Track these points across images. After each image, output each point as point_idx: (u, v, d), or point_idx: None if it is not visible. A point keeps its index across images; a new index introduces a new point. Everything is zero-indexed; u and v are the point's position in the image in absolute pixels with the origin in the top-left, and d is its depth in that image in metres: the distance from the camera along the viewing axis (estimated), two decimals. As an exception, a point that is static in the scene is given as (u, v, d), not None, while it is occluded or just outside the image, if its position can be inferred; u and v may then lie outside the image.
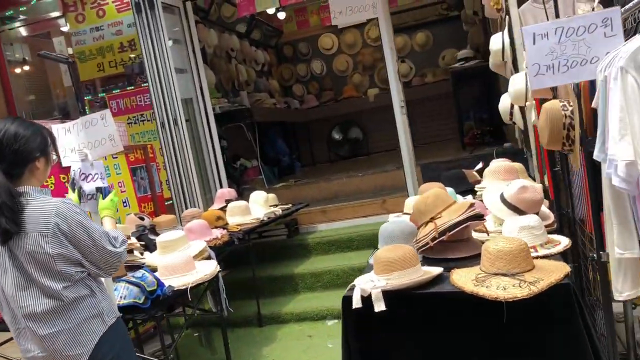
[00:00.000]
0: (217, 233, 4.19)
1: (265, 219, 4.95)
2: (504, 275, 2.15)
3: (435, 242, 2.45)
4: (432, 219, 2.56)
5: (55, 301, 2.02)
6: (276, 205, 5.38)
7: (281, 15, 9.66)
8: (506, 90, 5.06)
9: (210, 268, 3.26)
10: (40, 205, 2.02)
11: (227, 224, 4.55)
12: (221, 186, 5.92)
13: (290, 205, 5.57)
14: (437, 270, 2.35)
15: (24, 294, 2.02)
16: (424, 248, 2.50)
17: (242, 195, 5.88)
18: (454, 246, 2.53)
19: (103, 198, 2.58)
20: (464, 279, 2.22)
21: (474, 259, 2.43)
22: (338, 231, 5.62)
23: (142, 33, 5.39)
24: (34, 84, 7.49)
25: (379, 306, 2.21)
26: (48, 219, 1.99)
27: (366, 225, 5.54)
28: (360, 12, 5.28)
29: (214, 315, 4.04)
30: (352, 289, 2.32)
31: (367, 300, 2.22)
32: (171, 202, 5.65)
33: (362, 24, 9.64)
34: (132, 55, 6.33)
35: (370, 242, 5.27)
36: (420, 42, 9.91)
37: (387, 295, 2.21)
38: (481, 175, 4.05)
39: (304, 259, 5.43)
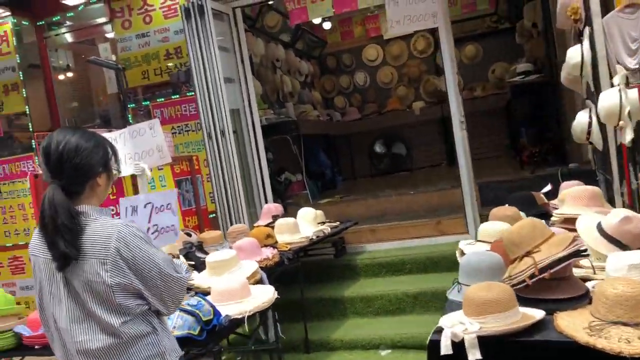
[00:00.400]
0: (268, 252, 3.93)
1: (314, 237, 4.68)
2: (625, 324, 1.84)
3: (535, 280, 2.14)
4: (528, 253, 2.25)
5: (112, 338, 1.78)
6: (324, 223, 5.11)
7: (326, 26, 9.46)
8: (576, 107, 4.74)
9: (267, 295, 2.99)
10: (100, 227, 1.78)
11: (276, 242, 4.30)
12: (266, 201, 5.67)
13: (339, 223, 5.28)
14: (538, 314, 2.04)
15: (79, 328, 1.79)
16: (519, 286, 2.19)
17: (286, 210, 5.62)
18: (553, 285, 2.20)
19: None
20: (573, 326, 1.92)
21: (576, 300, 2.13)
22: (388, 252, 5.26)
23: (190, 40, 5.21)
24: (77, 91, 7.41)
25: (474, 354, 1.93)
26: (108, 244, 1.75)
27: (419, 248, 5.19)
28: (420, 21, 4.99)
29: (265, 344, 3.76)
30: (438, 331, 2.05)
31: (457, 345, 1.95)
32: (214, 215, 5.43)
33: (409, 35, 9.40)
34: (171, 64, 6.15)
35: (423, 266, 4.95)
36: (470, 54, 9.60)
37: (480, 340, 1.93)
38: (548, 198, 3.75)
39: (353, 281, 5.11)
